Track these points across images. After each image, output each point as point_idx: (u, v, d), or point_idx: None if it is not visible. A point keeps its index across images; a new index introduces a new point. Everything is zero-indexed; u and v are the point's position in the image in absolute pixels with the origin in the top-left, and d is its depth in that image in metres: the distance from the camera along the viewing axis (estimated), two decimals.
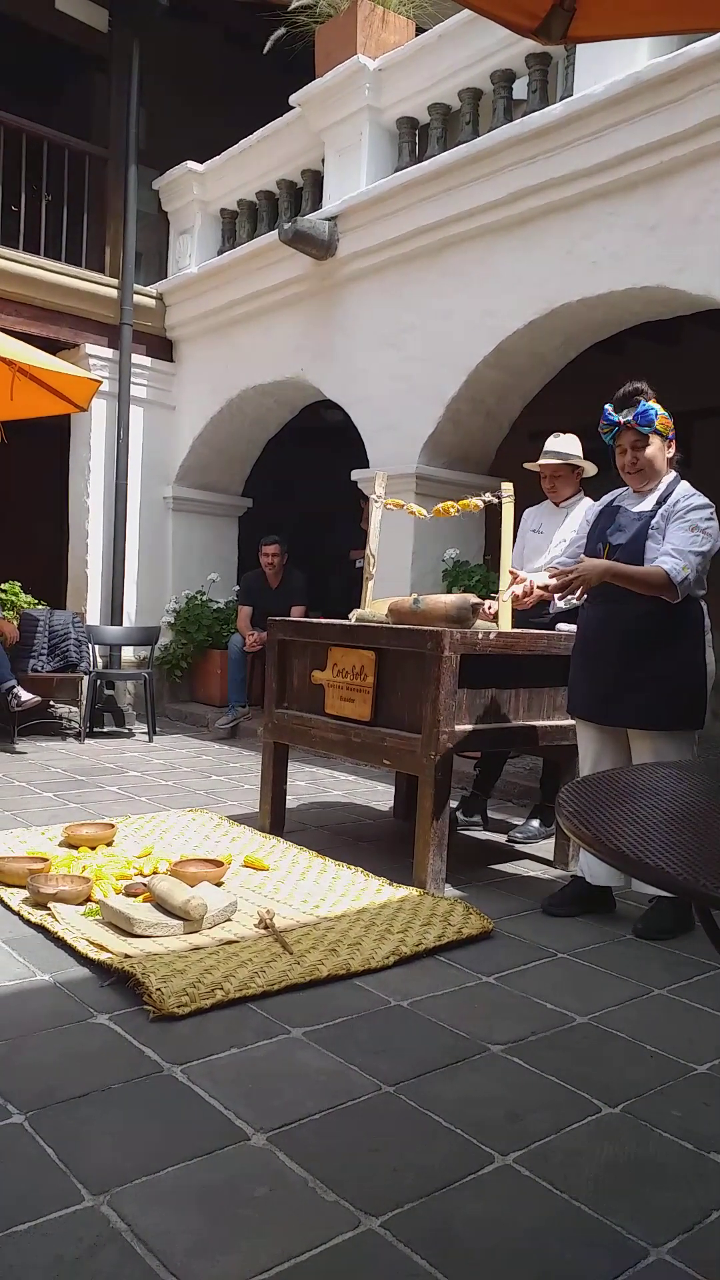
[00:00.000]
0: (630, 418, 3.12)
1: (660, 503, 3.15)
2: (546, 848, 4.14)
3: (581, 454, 4.25)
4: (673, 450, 3.22)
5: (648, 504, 3.19)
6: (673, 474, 3.24)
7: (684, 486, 3.19)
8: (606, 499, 3.39)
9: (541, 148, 5.16)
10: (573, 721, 3.85)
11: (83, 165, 7.77)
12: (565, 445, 4.25)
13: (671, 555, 3.01)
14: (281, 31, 6.84)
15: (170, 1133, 1.88)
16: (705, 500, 3.13)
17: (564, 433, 4.29)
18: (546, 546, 4.32)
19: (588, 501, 4.33)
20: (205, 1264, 1.51)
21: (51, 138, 7.53)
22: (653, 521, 3.12)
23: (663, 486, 3.20)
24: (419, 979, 2.68)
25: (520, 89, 5.58)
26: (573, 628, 4.08)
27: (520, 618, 4.18)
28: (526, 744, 3.86)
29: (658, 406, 3.13)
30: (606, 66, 4.81)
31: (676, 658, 3.11)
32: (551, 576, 3.19)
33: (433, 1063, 2.20)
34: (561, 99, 5.15)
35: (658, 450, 3.17)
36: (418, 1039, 2.33)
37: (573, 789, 1.27)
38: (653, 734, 3.14)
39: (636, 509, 3.21)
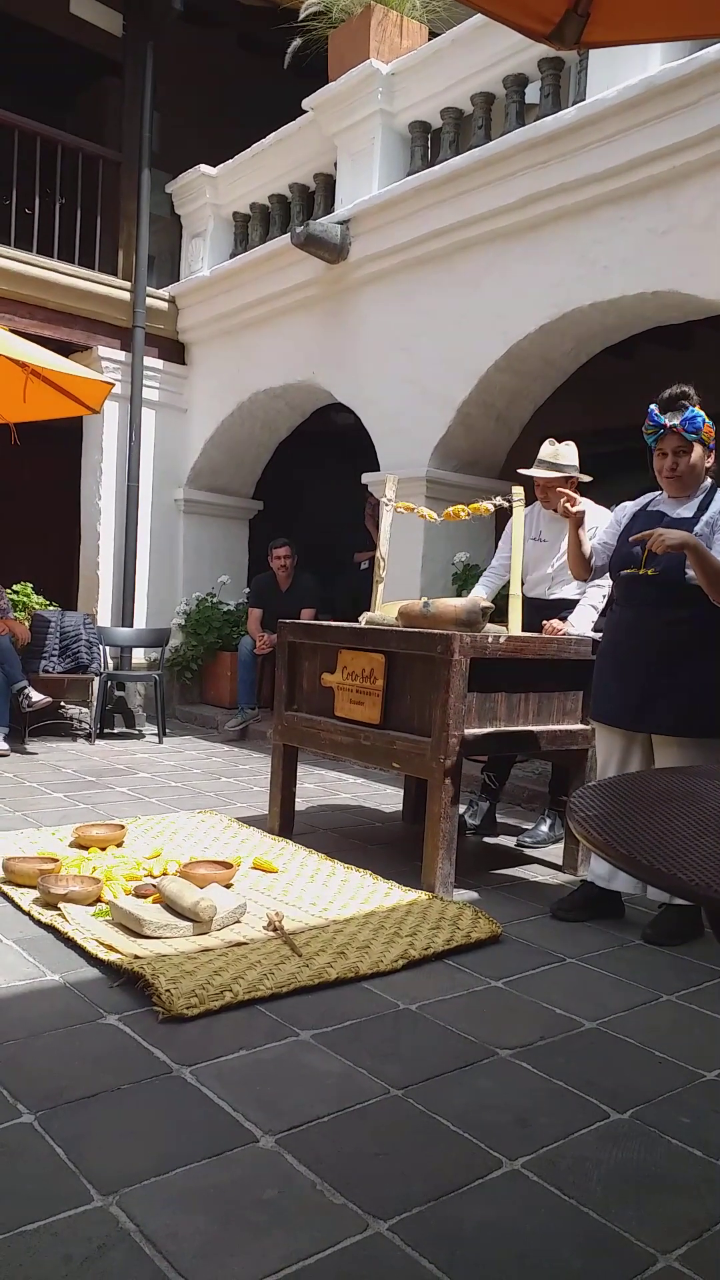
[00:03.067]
0: (678, 422, 3.09)
1: (703, 509, 3.13)
2: (555, 852, 4.14)
3: (578, 463, 4.17)
4: (711, 460, 3.19)
5: (689, 509, 3.16)
6: (709, 481, 3.21)
7: None
8: (642, 501, 3.35)
9: (554, 152, 5.16)
10: (581, 726, 3.86)
11: (96, 169, 7.82)
12: (561, 455, 4.15)
13: None
14: (298, 43, 6.86)
15: (179, 1134, 1.88)
16: None
17: (559, 440, 4.20)
18: (551, 554, 4.28)
19: (590, 505, 4.30)
20: (213, 1265, 1.52)
21: (66, 141, 7.57)
22: (696, 529, 3.08)
23: (702, 493, 3.18)
24: (427, 983, 2.68)
25: (533, 93, 5.59)
26: (581, 632, 4.09)
27: (535, 611, 4.18)
28: (536, 748, 3.86)
29: (703, 414, 3.12)
30: (619, 71, 4.81)
31: (710, 665, 3.09)
32: (637, 536, 3.13)
33: (441, 1067, 2.20)
34: (574, 103, 5.16)
35: (699, 458, 3.13)
36: (426, 1043, 2.33)
37: (584, 793, 1.27)
38: (680, 741, 3.11)
39: (678, 514, 3.17)
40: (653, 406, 3.15)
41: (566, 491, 3.51)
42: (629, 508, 3.38)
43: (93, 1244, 1.55)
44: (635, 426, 3.25)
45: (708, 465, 3.18)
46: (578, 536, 3.39)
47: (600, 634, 3.95)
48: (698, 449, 3.12)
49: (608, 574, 3.40)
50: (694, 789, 1.47)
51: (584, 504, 3.92)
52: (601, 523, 4.09)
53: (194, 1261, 1.52)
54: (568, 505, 3.38)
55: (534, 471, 4.19)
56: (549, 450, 4.19)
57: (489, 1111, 2.02)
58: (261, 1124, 1.93)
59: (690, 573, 3.03)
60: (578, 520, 3.38)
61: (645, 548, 3.15)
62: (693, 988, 2.74)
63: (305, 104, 6.68)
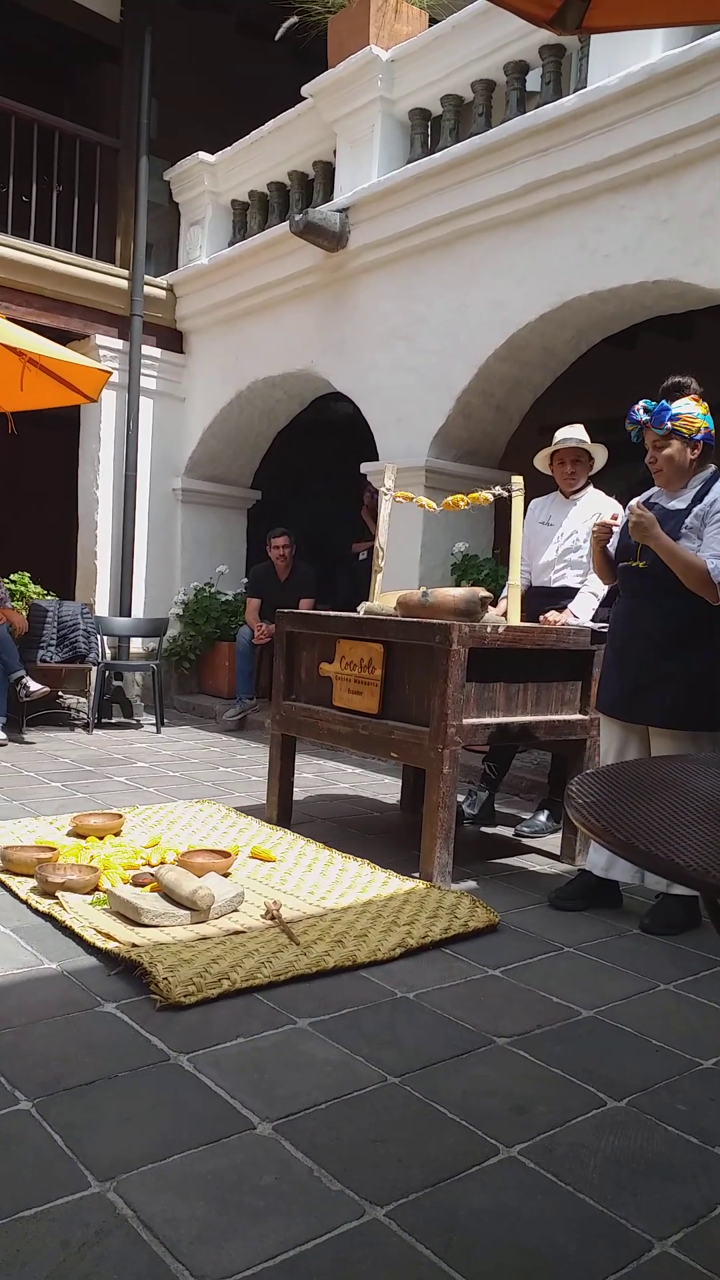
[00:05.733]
0: (648, 418, 3.10)
1: (696, 500, 3.12)
2: (554, 842, 4.14)
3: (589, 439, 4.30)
4: (698, 453, 3.16)
5: (682, 501, 3.16)
6: (711, 469, 3.19)
7: None
8: (644, 496, 3.37)
9: (554, 140, 5.14)
10: (580, 716, 3.87)
11: (94, 156, 7.77)
12: (578, 432, 4.29)
13: (718, 556, 2.97)
14: (294, 20, 6.81)
15: (177, 1121, 1.89)
16: None
17: (571, 425, 4.32)
18: (555, 538, 4.32)
19: (597, 494, 4.32)
20: (211, 1251, 1.52)
21: (63, 128, 7.52)
22: (686, 520, 3.08)
23: (699, 484, 3.16)
24: (425, 971, 2.68)
25: (534, 80, 5.55)
26: (584, 621, 4.10)
27: (541, 599, 4.21)
28: (534, 738, 3.86)
29: (685, 407, 3.09)
30: (621, 58, 4.78)
31: (703, 658, 3.08)
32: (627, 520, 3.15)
33: (438, 1054, 2.21)
34: (575, 91, 5.12)
35: (677, 452, 3.13)
36: (423, 1031, 2.33)
37: (582, 781, 1.27)
38: (673, 733, 3.12)
39: (672, 505, 3.17)
40: (641, 402, 3.15)
41: (641, 511, 3.17)
42: (634, 502, 3.39)
43: (90, 1229, 1.56)
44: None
45: (693, 457, 3.15)
46: (601, 551, 3.39)
47: (599, 624, 3.97)
48: (675, 442, 3.11)
49: None
50: (691, 777, 1.47)
51: (602, 505, 3.98)
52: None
53: (191, 1246, 1.53)
54: (632, 520, 3.15)
55: (552, 449, 4.29)
56: (565, 430, 4.30)
57: (486, 1099, 2.02)
58: (259, 1111, 1.93)
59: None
60: (603, 537, 3.35)
61: (638, 540, 3.16)
62: (690, 977, 2.75)
63: (304, 91, 6.64)
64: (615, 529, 3.37)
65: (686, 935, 3.07)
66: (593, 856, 3.34)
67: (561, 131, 5.09)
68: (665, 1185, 1.76)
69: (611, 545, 3.45)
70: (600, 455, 4.26)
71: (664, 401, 3.11)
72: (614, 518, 3.52)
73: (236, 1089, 2.01)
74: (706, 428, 3.14)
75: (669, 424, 3.08)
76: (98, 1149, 1.78)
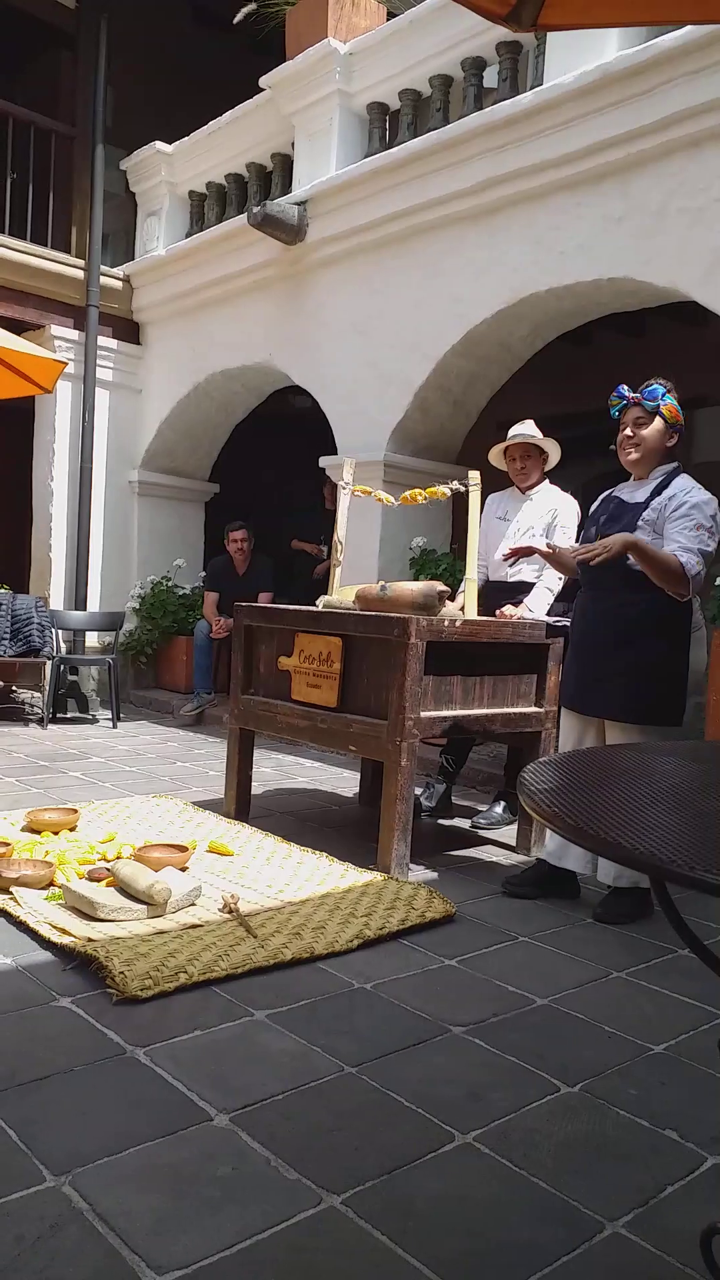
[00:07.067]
0: (639, 393, 3.15)
1: (656, 493, 3.14)
2: (510, 833, 4.18)
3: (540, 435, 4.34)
4: (674, 441, 3.21)
5: (642, 494, 3.18)
6: (673, 464, 3.23)
7: (683, 480, 3.15)
8: (607, 492, 3.41)
9: (511, 137, 5.17)
10: (536, 709, 3.91)
11: (49, 143, 7.66)
12: (529, 428, 4.33)
13: (686, 550, 2.97)
14: (252, 6, 6.78)
15: (132, 1114, 1.88)
16: (708, 496, 3.09)
17: (522, 421, 4.37)
18: (511, 533, 4.35)
19: (553, 490, 4.37)
20: (166, 1242, 1.52)
21: (17, 114, 7.41)
22: (644, 514, 3.11)
23: (660, 476, 3.19)
24: (382, 962, 2.70)
25: (491, 77, 5.59)
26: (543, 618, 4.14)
27: (498, 594, 4.26)
28: (491, 730, 3.89)
29: (670, 395, 3.15)
30: (577, 57, 4.82)
31: (656, 651, 3.09)
32: (576, 553, 3.15)
33: (395, 1044, 2.22)
34: (532, 88, 5.16)
35: (658, 433, 3.15)
36: (380, 1021, 2.35)
37: (535, 768, 1.29)
38: (625, 726, 3.16)
39: (633, 498, 3.21)
40: (622, 386, 3.20)
41: (586, 555, 3.10)
42: (599, 499, 3.43)
43: (45, 1223, 1.55)
44: (591, 413, 3.29)
45: (669, 444, 3.21)
46: (554, 558, 3.47)
47: (555, 618, 4.02)
48: (658, 422, 3.15)
49: None
50: (643, 764, 1.49)
51: (558, 502, 4.04)
52: (572, 518, 4.23)
53: (147, 1238, 1.53)
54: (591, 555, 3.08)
55: (505, 445, 4.32)
56: (518, 426, 4.34)
57: (442, 1086, 2.04)
58: (216, 1103, 1.93)
59: (631, 558, 3.06)
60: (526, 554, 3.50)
61: (599, 535, 3.19)
62: (642, 964, 2.79)
63: (262, 82, 6.61)
64: (560, 545, 3.49)
65: (639, 925, 3.12)
66: (548, 845, 3.38)
67: (518, 128, 5.12)
68: (617, 1168, 1.79)
69: (569, 541, 3.50)
70: (554, 450, 4.30)
71: (654, 383, 3.15)
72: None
73: (193, 1081, 2.01)
74: (682, 419, 3.20)
75: (660, 403, 3.12)
76: (53, 1143, 1.77)
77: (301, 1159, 1.75)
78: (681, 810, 1.17)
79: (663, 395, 3.14)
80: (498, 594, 4.32)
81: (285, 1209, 1.61)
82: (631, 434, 3.18)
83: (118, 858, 3.39)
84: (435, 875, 3.58)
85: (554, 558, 3.46)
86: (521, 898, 3.32)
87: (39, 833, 3.76)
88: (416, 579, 5.93)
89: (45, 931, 2.73)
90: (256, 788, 4.61)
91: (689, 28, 4.30)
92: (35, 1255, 1.48)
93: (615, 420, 3.24)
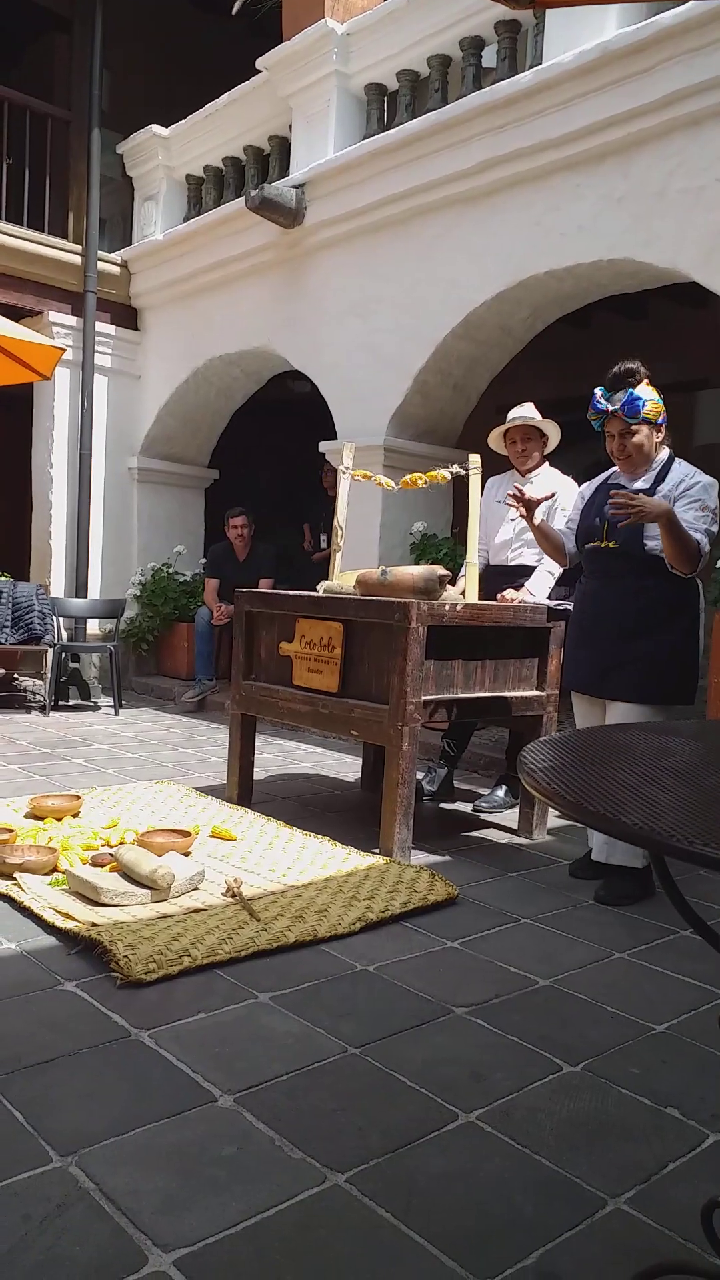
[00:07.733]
0: (617, 407, 3.12)
1: (659, 480, 3.16)
2: (511, 817, 4.19)
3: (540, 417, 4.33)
4: (661, 435, 3.22)
5: (645, 481, 3.21)
6: (667, 452, 3.25)
7: (682, 466, 3.20)
8: (601, 477, 3.40)
9: (510, 117, 5.13)
10: (537, 693, 3.91)
11: (45, 128, 7.61)
12: (528, 410, 4.31)
13: (694, 530, 3.02)
14: None
15: (138, 1095, 1.89)
16: (710, 479, 3.15)
17: (522, 404, 4.35)
18: (511, 516, 4.34)
19: (553, 473, 4.35)
20: (172, 1221, 1.54)
21: (12, 98, 7.36)
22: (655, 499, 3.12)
23: (658, 465, 3.22)
24: (385, 944, 2.71)
25: (489, 57, 5.54)
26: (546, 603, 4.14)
27: (499, 578, 4.25)
28: (492, 714, 3.89)
29: (647, 393, 3.13)
30: (576, 35, 4.78)
31: (673, 633, 3.15)
32: (613, 499, 3.07)
33: (398, 1025, 2.23)
34: (530, 68, 5.12)
35: (645, 438, 3.17)
36: (383, 1002, 2.36)
37: (535, 747, 1.29)
38: (641, 708, 3.18)
39: (635, 486, 3.21)
40: (598, 390, 3.18)
41: (627, 500, 3.00)
42: (593, 484, 3.44)
43: (52, 1203, 1.56)
44: (591, 396, 3.26)
45: (658, 440, 3.21)
46: (539, 529, 3.46)
47: (556, 602, 4.02)
48: (644, 429, 3.16)
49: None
50: (645, 743, 1.50)
51: (558, 485, 4.02)
52: (572, 501, 4.21)
53: (153, 1217, 1.54)
54: (620, 506, 3.01)
55: (505, 427, 4.30)
56: (517, 409, 4.32)
57: (444, 1067, 2.05)
58: (220, 1084, 1.94)
59: (649, 544, 3.09)
60: (533, 507, 3.42)
61: (605, 520, 3.19)
62: (643, 945, 2.81)
63: (259, 64, 6.56)
64: (546, 504, 3.44)
65: (641, 905, 3.13)
66: (593, 841, 3.39)
67: (517, 108, 5.08)
68: (619, 1145, 1.80)
69: (568, 525, 3.49)
70: (553, 433, 4.29)
71: (631, 391, 3.13)
72: (517, 491, 3.50)
73: (198, 1063, 2.02)
74: (664, 410, 3.19)
75: (642, 411, 3.11)
76: (59, 1124, 1.78)
77: (306, 1139, 1.77)
78: (682, 787, 1.17)
79: (643, 403, 3.11)
80: (498, 577, 4.32)
81: (290, 1188, 1.62)
82: (622, 445, 3.19)
83: (121, 843, 3.40)
84: (437, 859, 3.59)
85: (539, 530, 3.46)
86: (583, 879, 3.33)
87: (42, 819, 3.77)
88: (417, 563, 5.93)
89: (49, 916, 2.74)
90: (259, 773, 4.62)
91: (689, 4, 4.26)
92: (42, 1234, 1.49)
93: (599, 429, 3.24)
